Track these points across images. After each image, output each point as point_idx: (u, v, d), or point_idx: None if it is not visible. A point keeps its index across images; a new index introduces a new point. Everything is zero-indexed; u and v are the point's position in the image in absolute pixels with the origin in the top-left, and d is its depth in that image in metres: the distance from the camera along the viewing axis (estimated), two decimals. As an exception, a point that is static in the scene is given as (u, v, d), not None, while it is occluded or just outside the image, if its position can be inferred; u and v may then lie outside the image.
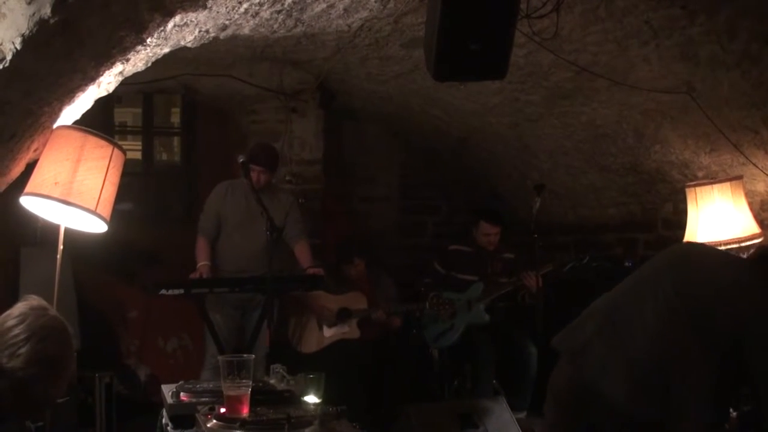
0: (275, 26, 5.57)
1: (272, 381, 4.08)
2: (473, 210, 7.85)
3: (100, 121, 7.45)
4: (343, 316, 7.08)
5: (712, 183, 6.16)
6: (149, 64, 4.72)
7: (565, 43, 5.63)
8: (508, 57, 4.37)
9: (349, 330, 7.10)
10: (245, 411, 3.37)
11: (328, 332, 7.06)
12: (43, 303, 2.94)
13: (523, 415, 6.70)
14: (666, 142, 6.50)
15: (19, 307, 2.88)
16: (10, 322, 2.83)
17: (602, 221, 7.82)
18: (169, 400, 3.83)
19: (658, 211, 7.19)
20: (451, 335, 7.14)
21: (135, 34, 3.93)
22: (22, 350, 2.77)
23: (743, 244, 6.07)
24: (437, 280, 7.36)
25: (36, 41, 3.23)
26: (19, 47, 3.20)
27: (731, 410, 4.70)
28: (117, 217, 4.70)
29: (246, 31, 5.42)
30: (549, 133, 7.30)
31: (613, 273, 7.00)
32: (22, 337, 2.79)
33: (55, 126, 4.40)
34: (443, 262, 7.45)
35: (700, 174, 6.47)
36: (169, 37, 4.36)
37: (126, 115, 9.98)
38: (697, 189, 6.22)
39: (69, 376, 2.94)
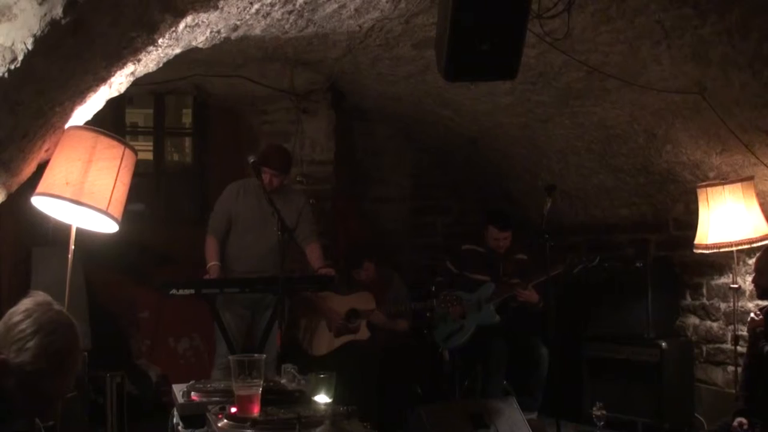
0: (286, 27, 5.57)
1: (283, 381, 4.08)
2: (484, 212, 7.84)
3: (111, 122, 7.48)
4: (351, 317, 7.07)
5: (723, 183, 6.16)
6: (161, 65, 4.73)
7: (576, 43, 5.62)
8: (519, 57, 4.37)
9: (359, 332, 7.09)
10: (256, 411, 3.38)
11: (338, 334, 7.05)
12: (48, 298, 2.93)
13: (534, 415, 6.70)
14: (677, 143, 6.49)
15: (25, 303, 2.87)
16: (17, 318, 2.81)
17: (613, 222, 7.80)
18: (180, 399, 3.84)
19: (669, 211, 7.18)
20: (461, 336, 7.14)
21: (146, 34, 3.94)
22: (30, 344, 2.76)
23: (755, 245, 6.07)
24: (449, 280, 7.36)
25: (47, 42, 3.24)
26: (30, 48, 3.21)
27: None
28: (128, 218, 4.70)
29: (257, 31, 5.43)
30: (560, 133, 7.30)
31: (624, 274, 7.01)
32: (29, 331, 2.77)
33: (66, 126, 4.41)
34: (456, 262, 7.44)
35: (711, 174, 6.46)
36: (181, 38, 4.37)
37: (137, 116, 10.00)
38: (709, 189, 6.22)
39: (76, 370, 2.92)
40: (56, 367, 2.82)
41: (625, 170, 7.22)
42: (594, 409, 6.21)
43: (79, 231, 4.67)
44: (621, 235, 7.72)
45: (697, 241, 6.34)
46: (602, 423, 5.44)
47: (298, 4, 5.05)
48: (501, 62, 4.41)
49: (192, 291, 6.07)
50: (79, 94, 4.12)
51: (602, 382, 7.07)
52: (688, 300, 7.11)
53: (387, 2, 5.28)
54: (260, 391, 3.41)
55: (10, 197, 4.40)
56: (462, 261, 7.43)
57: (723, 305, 6.78)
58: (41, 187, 4.36)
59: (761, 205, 6.11)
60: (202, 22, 4.35)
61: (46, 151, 4.38)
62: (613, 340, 7.08)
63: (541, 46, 5.65)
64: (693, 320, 7.08)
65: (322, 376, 3.69)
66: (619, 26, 5.40)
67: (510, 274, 7.29)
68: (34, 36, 3.18)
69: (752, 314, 5.41)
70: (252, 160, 6.07)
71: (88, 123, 4.72)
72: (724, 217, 6.11)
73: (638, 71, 5.88)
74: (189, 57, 5.24)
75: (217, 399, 3.74)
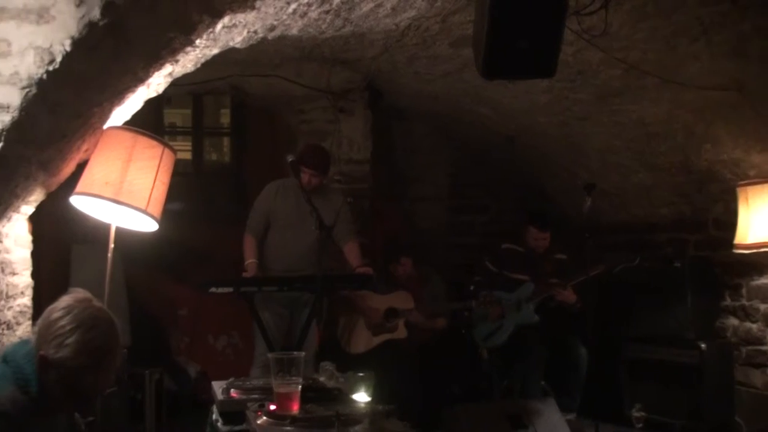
0: (323, 26, 5.58)
1: (322, 378, 4.09)
2: (524, 212, 7.82)
3: (150, 122, 7.52)
4: (390, 315, 7.07)
5: (763, 182, 6.09)
6: (198, 65, 4.76)
7: (614, 40, 5.59)
8: (556, 55, 4.35)
9: (397, 330, 7.09)
10: (295, 408, 3.39)
11: (376, 333, 7.06)
12: (88, 295, 2.95)
13: (572, 416, 6.66)
14: (716, 141, 6.43)
15: (65, 300, 2.89)
16: (56, 314, 2.83)
17: (653, 221, 7.73)
18: (220, 396, 3.88)
19: (709, 210, 7.10)
20: (500, 335, 7.13)
21: (184, 35, 3.97)
22: (70, 340, 2.78)
23: (795, 246, 6.00)
24: (488, 279, 7.35)
25: (85, 43, 3.27)
26: (69, 49, 3.24)
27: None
28: (167, 217, 4.74)
29: (294, 31, 5.44)
30: (598, 131, 7.25)
31: (664, 274, 6.95)
32: (68, 327, 2.79)
33: (105, 126, 4.45)
34: (495, 261, 7.43)
35: (751, 173, 6.38)
36: (218, 38, 4.39)
37: (176, 116, 10.09)
38: (749, 188, 6.16)
39: (116, 366, 2.94)
40: (96, 363, 2.84)
41: (664, 169, 7.16)
42: (633, 410, 6.19)
43: (118, 229, 4.71)
44: (661, 234, 7.65)
45: (736, 240, 6.28)
46: (641, 425, 5.42)
47: (334, 4, 5.06)
48: (539, 60, 4.39)
49: (231, 289, 6.09)
50: (118, 95, 4.15)
51: (641, 384, 7.00)
52: (728, 301, 7.03)
53: (423, 1, 5.28)
54: (300, 389, 3.43)
55: (50, 196, 4.44)
56: (501, 260, 7.41)
57: (763, 306, 6.68)
58: (81, 186, 4.40)
59: (803, 204, 6.05)
60: (239, 22, 4.37)
61: (85, 151, 4.42)
62: (652, 341, 7.01)
63: (578, 44, 5.62)
64: (732, 321, 6.99)
65: (360, 374, 3.70)
66: (657, 23, 5.36)
67: (549, 273, 7.26)
68: (72, 38, 3.22)
69: None
70: (291, 160, 6.09)
71: (126, 123, 4.76)
72: (765, 217, 6.04)
73: (676, 68, 5.83)
74: (226, 57, 5.25)
75: (257, 396, 3.77)
